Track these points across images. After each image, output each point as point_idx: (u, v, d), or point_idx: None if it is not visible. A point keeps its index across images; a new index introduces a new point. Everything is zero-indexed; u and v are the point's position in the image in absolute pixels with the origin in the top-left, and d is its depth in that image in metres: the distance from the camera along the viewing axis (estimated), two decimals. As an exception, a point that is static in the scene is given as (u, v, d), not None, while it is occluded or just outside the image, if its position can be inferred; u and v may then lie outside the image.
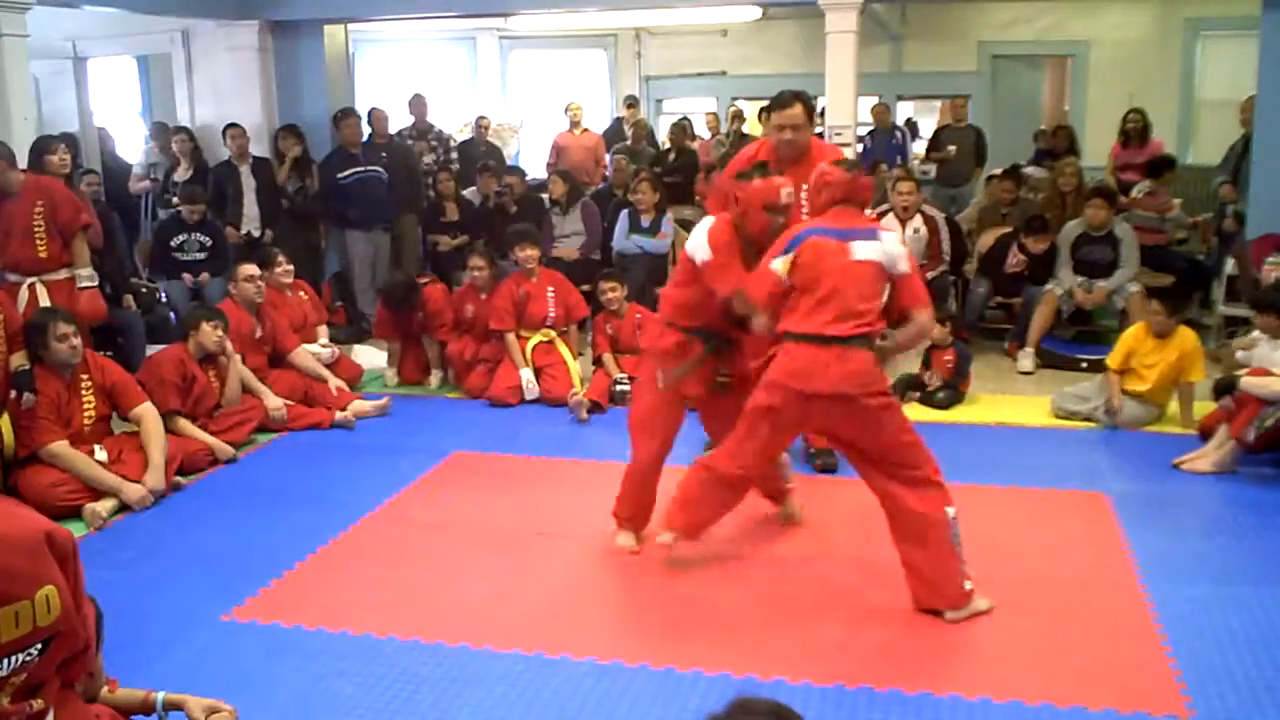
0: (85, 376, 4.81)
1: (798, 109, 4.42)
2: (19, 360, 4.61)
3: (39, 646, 1.73)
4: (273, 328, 6.02)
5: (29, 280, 5.32)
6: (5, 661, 1.68)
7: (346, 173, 7.78)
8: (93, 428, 4.80)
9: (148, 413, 4.90)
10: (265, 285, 6.04)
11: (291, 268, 6.43)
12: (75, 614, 1.78)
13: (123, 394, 4.90)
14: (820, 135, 8.51)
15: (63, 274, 5.43)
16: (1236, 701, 2.99)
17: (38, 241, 5.35)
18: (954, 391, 5.95)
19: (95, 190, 7.63)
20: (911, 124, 11.88)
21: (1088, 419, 5.56)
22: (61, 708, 1.89)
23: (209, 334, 5.34)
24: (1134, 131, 8.59)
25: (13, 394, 4.56)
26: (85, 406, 4.77)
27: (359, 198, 7.78)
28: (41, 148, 5.76)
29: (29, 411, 4.58)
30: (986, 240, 7.45)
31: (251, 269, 5.99)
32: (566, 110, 9.93)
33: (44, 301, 5.22)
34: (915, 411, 5.88)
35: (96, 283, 5.60)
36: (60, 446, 4.58)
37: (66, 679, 1.91)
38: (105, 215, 6.56)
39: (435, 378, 6.57)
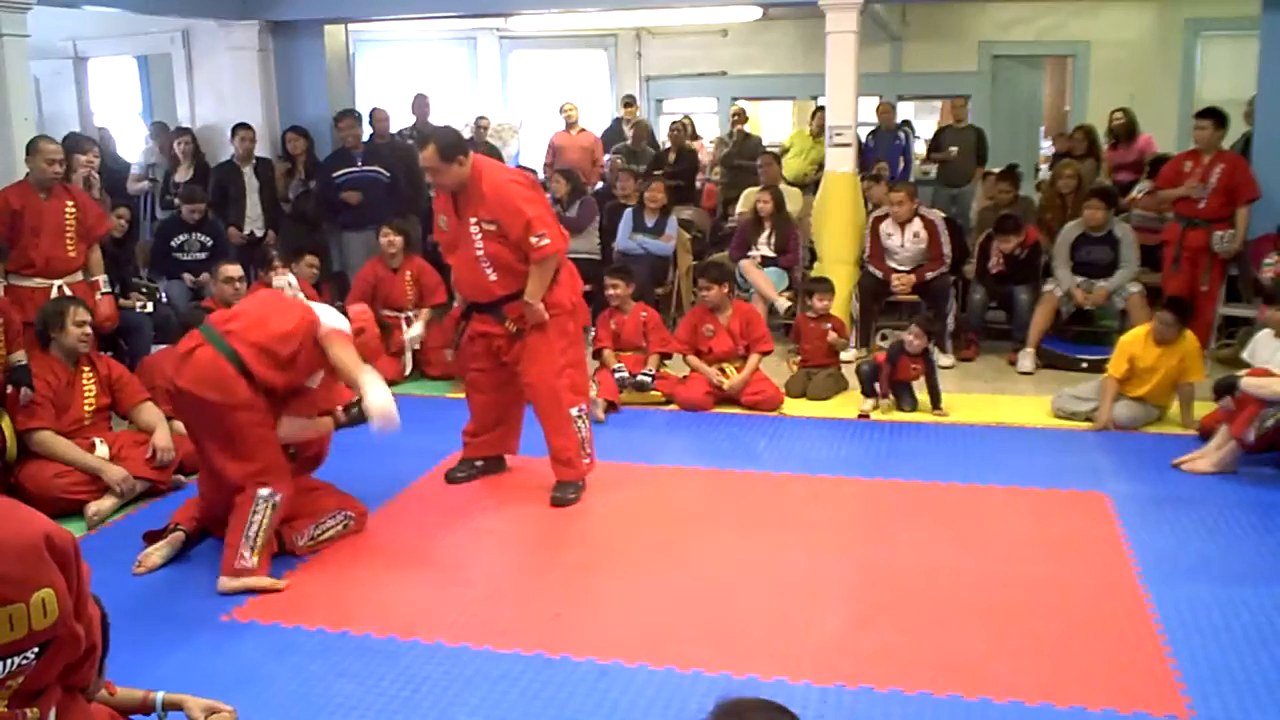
0: (87, 368, 4.82)
1: (428, 151, 4.27)
2: (18, 356, 4.62)
3: (36, 650, 1.72)
4: None
5: (56, 282, 5.39)
6: (0, 665, 1.68)
7: (340, 173, 7.77)
8: (93, 418, 4.80)
9: (147, 407, 4.92)
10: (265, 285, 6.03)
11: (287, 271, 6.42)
12: (75, 618, 1.77)
13: (123, 389, 4.91)
14: (820, 136, 8.55)
15: (80, 277, 5.52)
16: (1236, 701, 2.98)
17: (67, 242, 5.43)
18: (913, 398, 5.83)
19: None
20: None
21: (1088, 419, 5.55)
22: (65, 713, 1.88)
23: None
24: (1120, 130, 8.54)
25: (9, 389, 4.57)
26: (85, 395, 4.78)
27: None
28: (70, 147, 5.82)
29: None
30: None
31: (234, 270, 5.96)
32: (562, 110, 9.92)
33: None
34: (915, 412, 5.87)
35: (111, 290, 5.68)
36: (45, 435, 4.56)
37: (71, 684, 1.90)
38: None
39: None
